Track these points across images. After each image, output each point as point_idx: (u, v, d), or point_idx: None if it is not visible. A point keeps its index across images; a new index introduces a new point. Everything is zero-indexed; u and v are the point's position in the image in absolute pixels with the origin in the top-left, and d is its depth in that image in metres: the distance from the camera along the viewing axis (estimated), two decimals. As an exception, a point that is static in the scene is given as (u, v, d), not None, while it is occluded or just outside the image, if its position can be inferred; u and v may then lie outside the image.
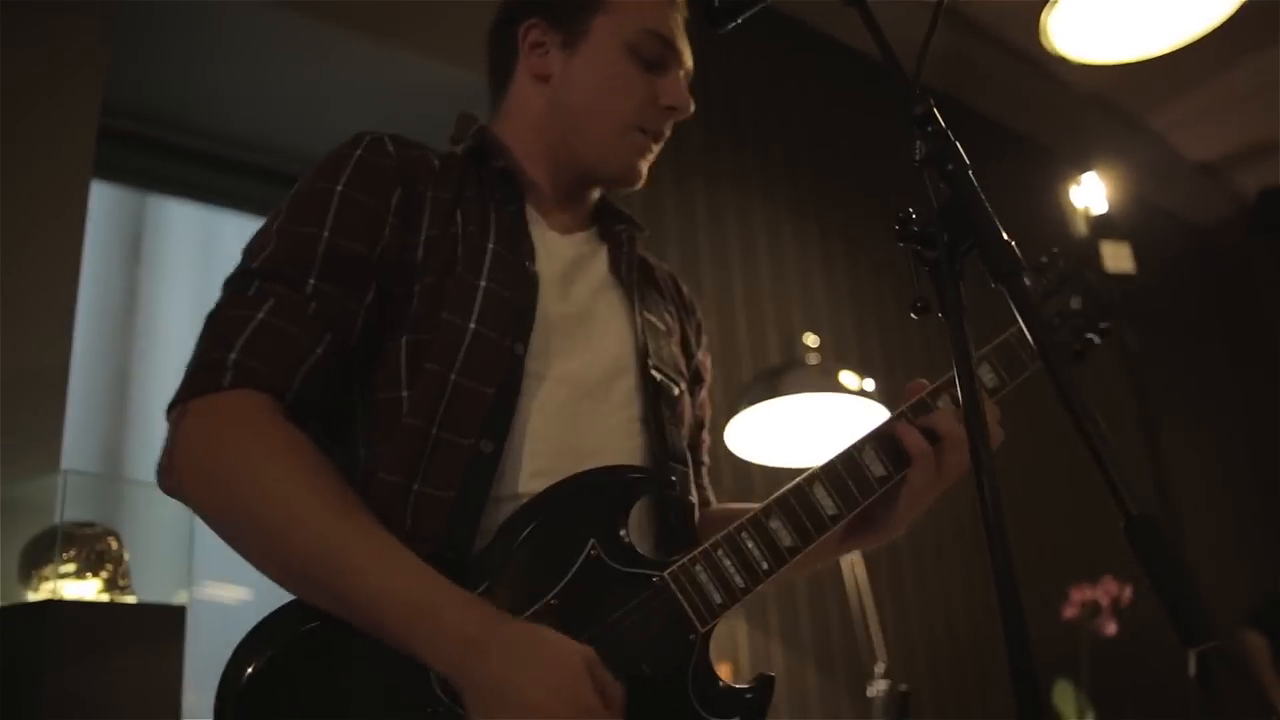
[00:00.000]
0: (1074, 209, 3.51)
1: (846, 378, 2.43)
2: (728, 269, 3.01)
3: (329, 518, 0.95)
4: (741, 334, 2.82)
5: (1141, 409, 3.79)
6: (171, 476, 1.01)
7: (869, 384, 2.48)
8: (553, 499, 1.04)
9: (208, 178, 2.79)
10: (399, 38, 2.60)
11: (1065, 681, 2.91)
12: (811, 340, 2.58)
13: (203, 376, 1.00)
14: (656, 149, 1.28)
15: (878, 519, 1.19)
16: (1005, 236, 0.77)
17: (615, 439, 1.14)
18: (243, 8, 2.42)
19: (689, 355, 1.36)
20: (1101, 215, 3.47)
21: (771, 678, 1.08)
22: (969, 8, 3.97)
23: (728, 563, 1.06)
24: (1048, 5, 2.59)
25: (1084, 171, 3.59)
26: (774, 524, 1.09)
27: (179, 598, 1.77)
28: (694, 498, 1.23)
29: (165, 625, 1.70)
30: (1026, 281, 0.75)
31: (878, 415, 2.50)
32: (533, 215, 1.23)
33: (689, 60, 1.29)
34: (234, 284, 1.07)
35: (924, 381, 1.19)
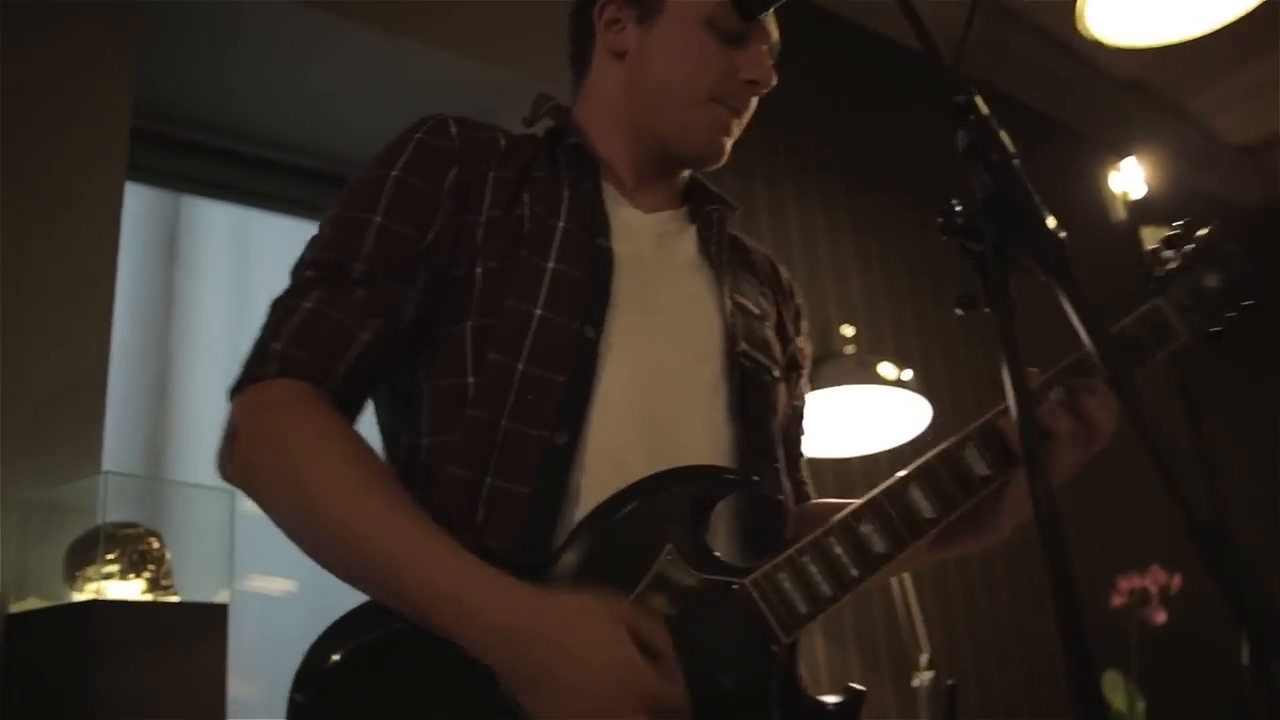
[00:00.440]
0: (1113, 194, 3.47)
1: (885, 369, 2.41)
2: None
3: (357, 504, 0.93)
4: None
5: (1185, 396, 3.72)
6: (223, 463, 1.01)
7: (907, 374, 2.46)
8: (628, 499, 0.99)
9: (242, 178, 2.80)
10: (434, 36, 2.60)
11: (1115, 671, 2.87)
12: (848, 331, 2.56)
13: (255, 365, 1.01)
14: (739, 125, 1.22)
15: (983, 520, 1.11)
16: (1055, 228, 0.74)
17: (699, 430, 1.09)
18: (273, 8, 2.43)
19: (785, 340, 1.29)
20: (1141, 199, 3.42)
21: (861, 691, 1.02)
22: (1003, -7, 3.92)
23: (814, 569, 0.99)
24: (1083, -11, 2.55)
25: (1123, 157, 3.54)
26: (865, 528, 1.02)
27: (221, 596, 1.79)
28: (785, 494, 1.16)
29: (208, 623, 1.72)
30: (1075, 277, 0.72)
31: (917, 406, 2.48)
32: (610, 192, 1.19)
33: (774, 33, 1.23)
34: (293, 273, 1.08)
35: (1034, 370, 1.09)
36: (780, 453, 1.17)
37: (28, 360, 1.87)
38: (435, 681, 0.92)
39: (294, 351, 1.00)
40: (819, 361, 2.49)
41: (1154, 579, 3.00)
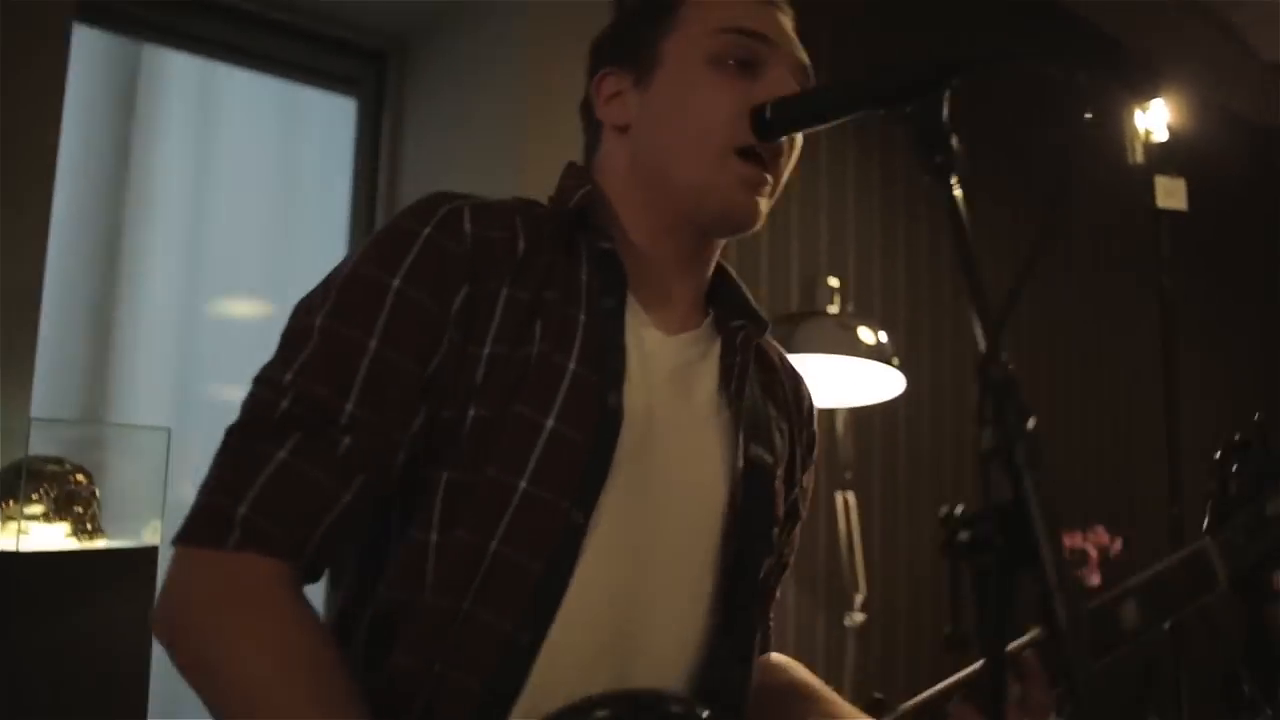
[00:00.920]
0: (1135, 133, 3.29)
1: (864, 333, 2.32)
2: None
3: None
4: (764, 273, 2.67)
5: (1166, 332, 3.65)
6: (162, 629, 0.87)
7: (883, 336, 2.37)
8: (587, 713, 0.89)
9: (210, 27, 2.56)
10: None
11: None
12: (833, 282, 2.45)
13: (207, 526, 0.86)
14: (773, 178, 1.03)
15: None
16: (1062, 553, 0.66)
17: (671, 631, 0.99)
18: None
19: (790, 485, 1.17)
20: (1161, 144, 3.25)
21: None
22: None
23: None
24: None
25: (1154, 79, 3.35)
26: None
27: (151, 537, 1.73)
28: (750, 690, 1.06)
29: (136, 567, 1.67)
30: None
31: (890, 378, 2.40)
32: (634, 309, 1.03)
33: (799, 54, 1.05)
34: (262, 392, 0.91)
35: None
36: (755, 642, 1.08)
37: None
38: None
39: (261, 522, 0.85)
40: (802, 318, 2.39)
41: (1097, 539, 3.02)
